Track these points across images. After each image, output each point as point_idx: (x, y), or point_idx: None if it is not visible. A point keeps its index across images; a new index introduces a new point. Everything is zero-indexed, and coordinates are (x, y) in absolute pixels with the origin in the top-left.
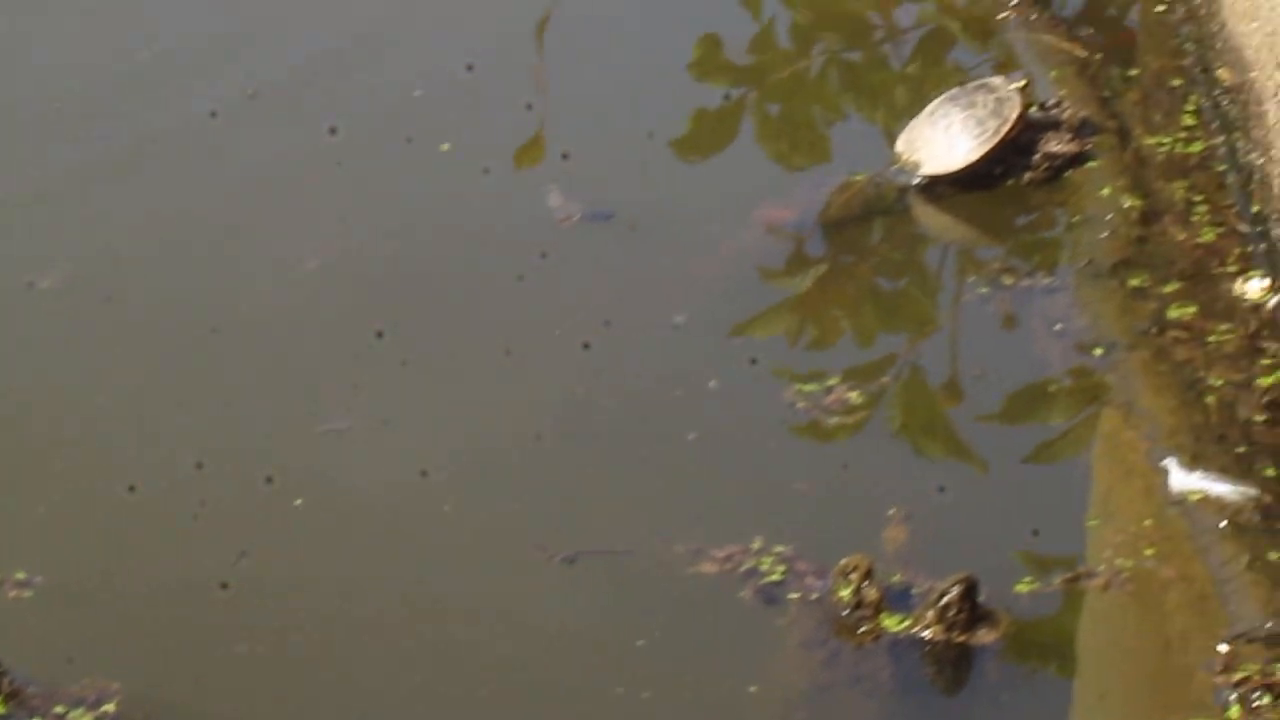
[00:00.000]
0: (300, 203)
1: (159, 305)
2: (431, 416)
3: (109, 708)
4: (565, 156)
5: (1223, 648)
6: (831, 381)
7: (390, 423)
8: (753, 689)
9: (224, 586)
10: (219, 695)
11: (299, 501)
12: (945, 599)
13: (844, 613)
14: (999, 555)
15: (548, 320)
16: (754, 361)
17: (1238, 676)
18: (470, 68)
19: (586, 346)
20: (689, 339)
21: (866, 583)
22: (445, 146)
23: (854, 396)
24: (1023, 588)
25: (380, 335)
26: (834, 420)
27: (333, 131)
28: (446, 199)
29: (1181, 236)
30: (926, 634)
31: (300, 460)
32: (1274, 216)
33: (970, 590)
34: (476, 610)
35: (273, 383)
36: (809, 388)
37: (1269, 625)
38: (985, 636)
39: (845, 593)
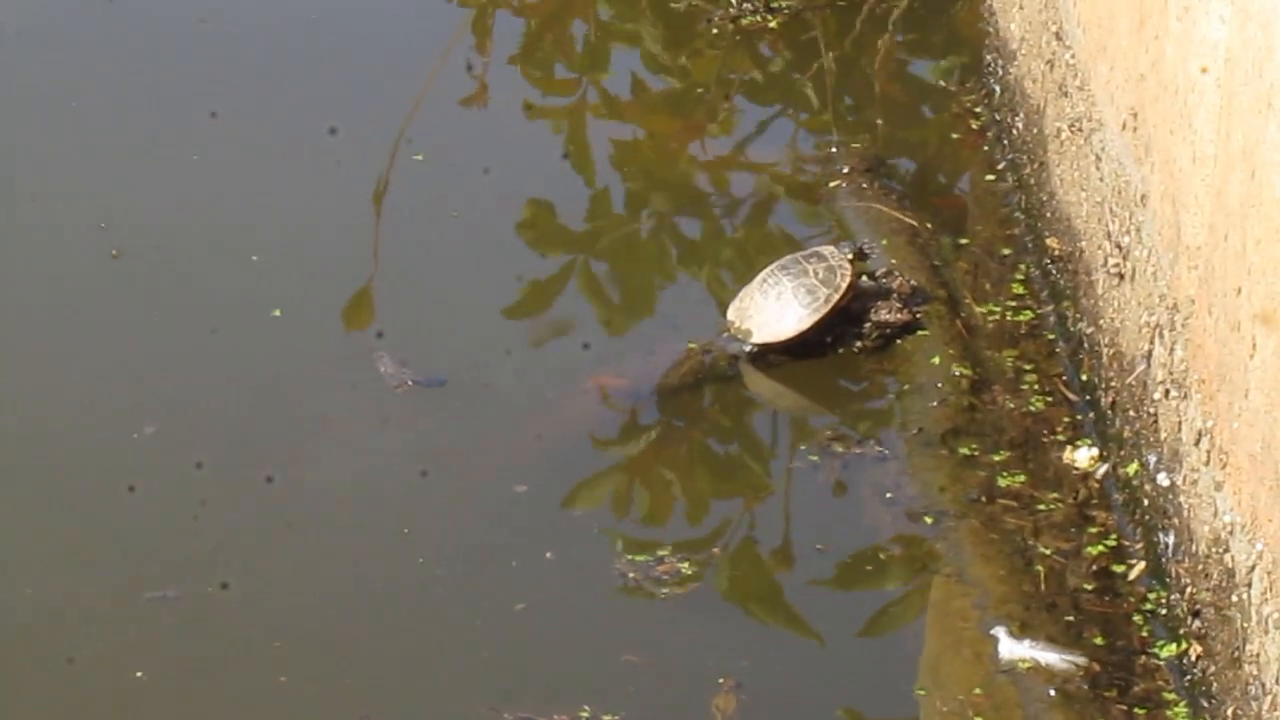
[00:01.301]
0: (126, 367)
1: None
2: (265, 579)
3: None
4: (380, 335)
5: None
6: (662, 551)
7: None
8: None
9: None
10: None
11: None
12: None
13: None
14: None
15: (384, 486)
16: (593, 532)
17: None
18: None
19: (424, 514)
20: (528, 508)
21: None
22: (277, 312)
23: (685, 566)
24: None
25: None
26: (664, 590)
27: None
28: (280, 364)
29: (1011, 405)
30: None
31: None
32: (1102, 386)
33: None
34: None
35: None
36: (640, 558)
37: None
38: None
39: None
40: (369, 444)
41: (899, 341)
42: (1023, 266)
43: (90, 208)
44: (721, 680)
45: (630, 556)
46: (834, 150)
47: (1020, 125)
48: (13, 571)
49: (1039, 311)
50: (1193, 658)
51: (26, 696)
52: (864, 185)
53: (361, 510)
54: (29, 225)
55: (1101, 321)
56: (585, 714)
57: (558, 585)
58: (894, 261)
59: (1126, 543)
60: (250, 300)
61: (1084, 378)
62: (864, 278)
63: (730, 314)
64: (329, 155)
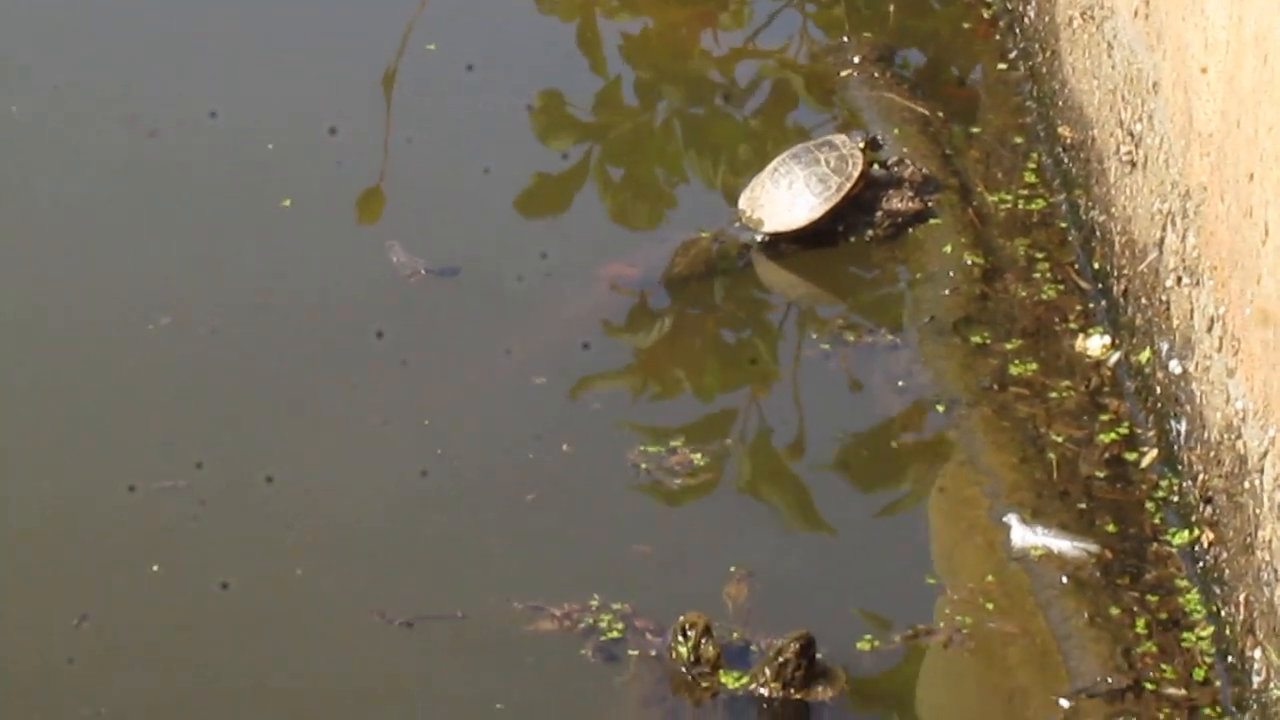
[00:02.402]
0: (148, 254)
1: None
2: (273, 486)
3: None
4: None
5: (1064, 703)
6: (675, 442)
7: (235, 486)
8: None
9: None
10: None
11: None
12: (782, 656)
13: (682, 670)
14: (840, 613)
15: (403, 379)
16: (600, 423)
17: None
18: (333, 130)
19: (442, 408)
20: (544, 399)
21: (705, 640)
22: (287, 202)
23: (697, 458)
24: (864, 645)
25: (219, 392)
26: (677, 481)
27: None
28: (290, 255)
29: (1023, 294)
30: (764, 691)
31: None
32: (1115, 274)
33: (807, 648)
34: (316, 677)
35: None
36: (652, 449)
37: (1109, 680)
38: (823, 694)
39: (683, 650)
40: (384, 334)
41: (910, 230)
42: (1035, 155)
43: (113, 96)
44: (733, 569)
45: (643, 447)
46: (845, 40)
47: (1032, 14)
48: (27, 461)
49: (1051, 200)
50: (1205, 544)
51: (39, 589)
52: (875, 75)
53: (378, 401)
54: (53, 115)
55: (1114, 209)
56: (595, 603)
57: (570, 476)
58: (906, 150)
59: (1139, 430)
60: (262, 190)
61: (1096, 265)
62: (876, 166)
63: (741, 203)
64: (344, 48)
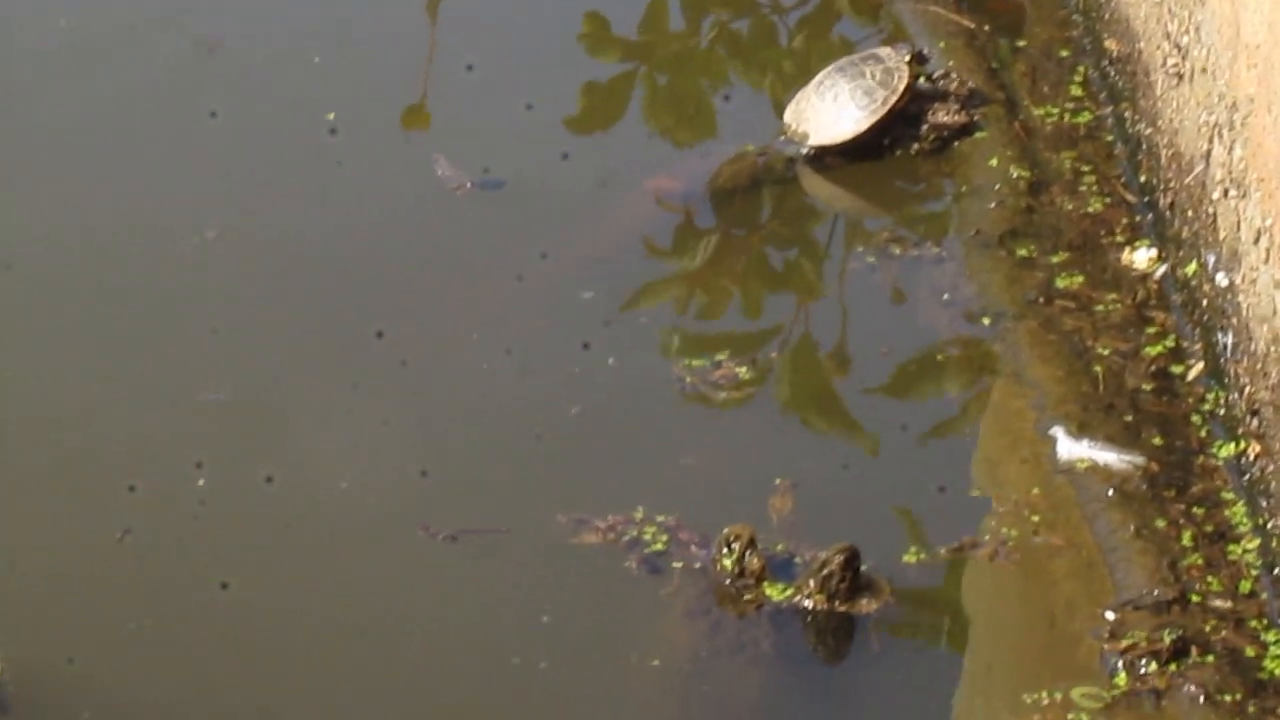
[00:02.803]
0: (190, 171)
1: None
2: (322, 389)
3: None
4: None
5: (1110, 615)
6: (720, 355)
7: (269, 387)
8: (636, 658)
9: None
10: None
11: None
12: (827, 568)
13: (726, 582)
14: (885, 526)
15: (450, 291)
16: (646, 337)
17: (1125, 644)
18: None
19: (489, 322)
20: (590, 312)
21: (749, 552)
22: (331, 115)
23: (742, 371)
24: (909, 558)
25: (272, 305)
26: (721, 394)
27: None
28: (335, 169)
29: (1069, 207)
30: (808, 603)
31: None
32: (1161, 187)
33: (851, 560)
34: (360, 593)
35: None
36: (697, 362)
37: (1155, 593)
38: (867, 606)
39: (728, 562)
40: (429, 248)
41: (956, 144)
42: (1081, 68)
43: (165, 11)
44: (778, 481)
45: (688, 361)
46: None
47: None
48: (76, 371)
49: (1097, 113)
50: (1251, 457)
51: (93, 494)
52: None
53: (424, 314)
54: (102, 29)
55: (1160, 122)
56: (639, 515)
57: (615, 390)
58: (951, 64)
59: (1185, 343)
60: (308, 103)
61: (1142, 179)
62: (921, 80)
63: (787, 117)
64: None
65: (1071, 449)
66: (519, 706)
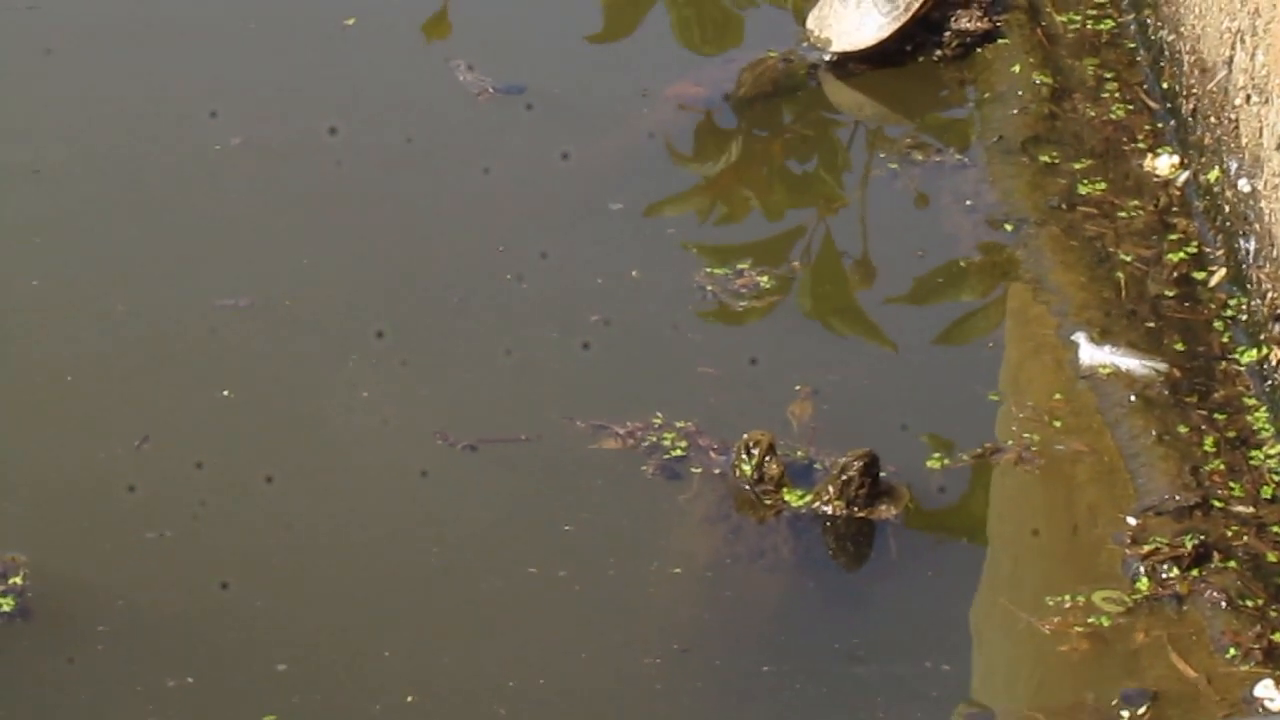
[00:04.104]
0: (214, 77)
1: None
2: (343, 297)
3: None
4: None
5: (1132, 521)
6: (742, 264)
7: (288, 294)
8: (655, 565)
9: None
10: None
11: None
12: (846, 474)
13: (746, 487)
14: (908, 432)
15: (474, 196)
16: (668, 245)
17: (1146, 549)
18: None
19: (506, 223)
20: (612, 219)
21: (769, 458)
22: (350, 20)
23: (764, 279)
24: (932, 464)
25: (299, 204)
26: (742, 303)
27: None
28: (356, 75)
29: (1092, 113)
30: (827, 509)
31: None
32: (1183, 93)
33: (871, 465)
34: (379, 503)
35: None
36: (719, 271)
37: (1177, 498)
38: (886, 512)
39: (747, 468)
40: (452, 155)
41: (979, 50)
42: None
43: None
44: (798, 388)
45: (709, 269)
46: None
47: None
48: (102, 276)
49: (1120, 20)
50: (1273, 362)
51: (116, 399)
52: None
53: (453, 219)
54: None
55: (1183, 29)
56: (658, 421)
57: (636, 298)
58: None
59: (1207, 249)
60: (329, 7)
61: (1165, 85)
62: None
63: (809, 23)
64: None
65: (1094, 355)
66: (537, 614)
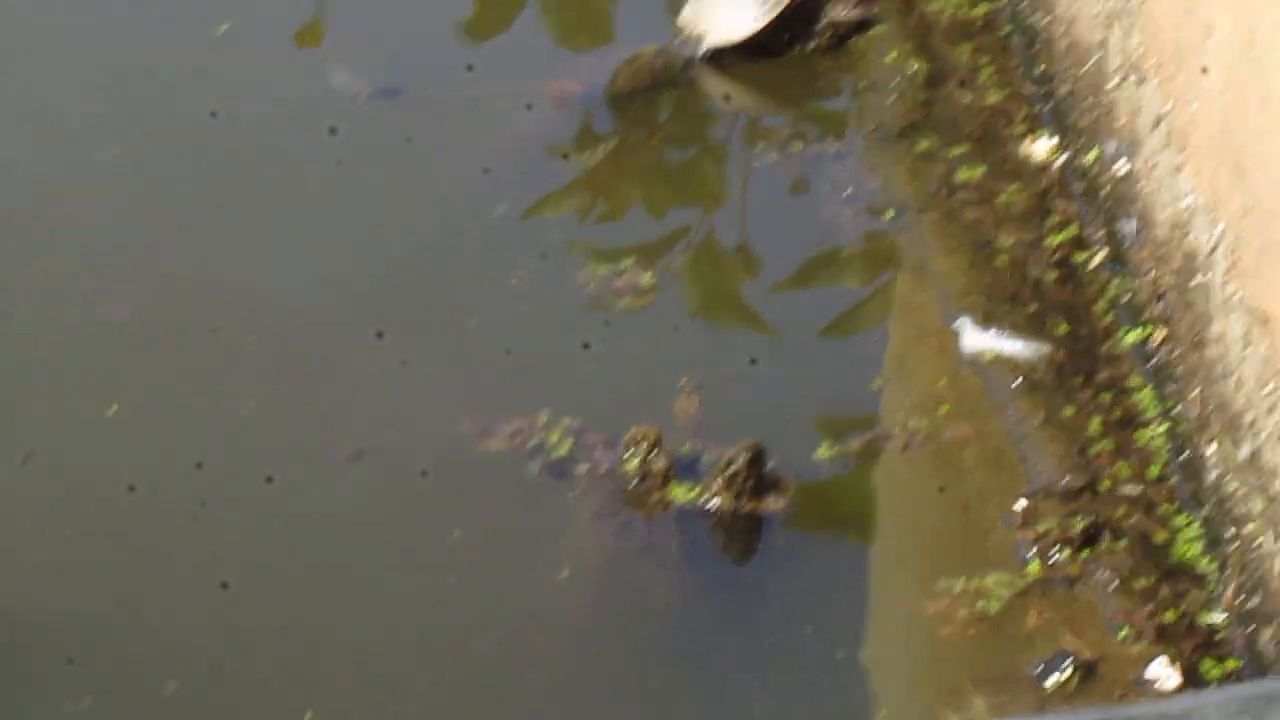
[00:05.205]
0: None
1: None
2: (204, 309)
3: None
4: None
5: (1021, 503)
6: (624, 262)
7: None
8: (543, 566)
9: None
10: None
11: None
12: (732, 467)
13: (633, 484)
14: (793, 423)
15: (352, 202)
16: (548, 244)
17: (1037, 532)
18: None
19: (387, 222)
20: (489, 221)
21: (655, 453)
22: (224, 26)
23: (646, 276)
24: (818, 454)
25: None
26: (625, 300)
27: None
28: (230, 78)
29: (968, 99)
30: (715, 503)
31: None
32: (1059, 76)
33: (757, 458)
34: (262, 514)
35: None
36: (601, 269)
37: (1066, 480)
38: (774, 504)
39: (634, 463)
40: (326, 158)
41: (854, 39)
42: None
43: None
44: (683, 382)
45: (591, 268)
46: None
47: None
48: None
49: (994, 4)
50: (1156, 342)
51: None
52: None
53: (327, 219)
54: None
55: (1056, 10)
56: (544, 419)
57: (518, 299)
58: None
59: (1087, 231)
60: (199, 11)
61: (1040, 68)
62: None
63: (684, 16)
64: None
65: (978, 339)
66: (426, 623)
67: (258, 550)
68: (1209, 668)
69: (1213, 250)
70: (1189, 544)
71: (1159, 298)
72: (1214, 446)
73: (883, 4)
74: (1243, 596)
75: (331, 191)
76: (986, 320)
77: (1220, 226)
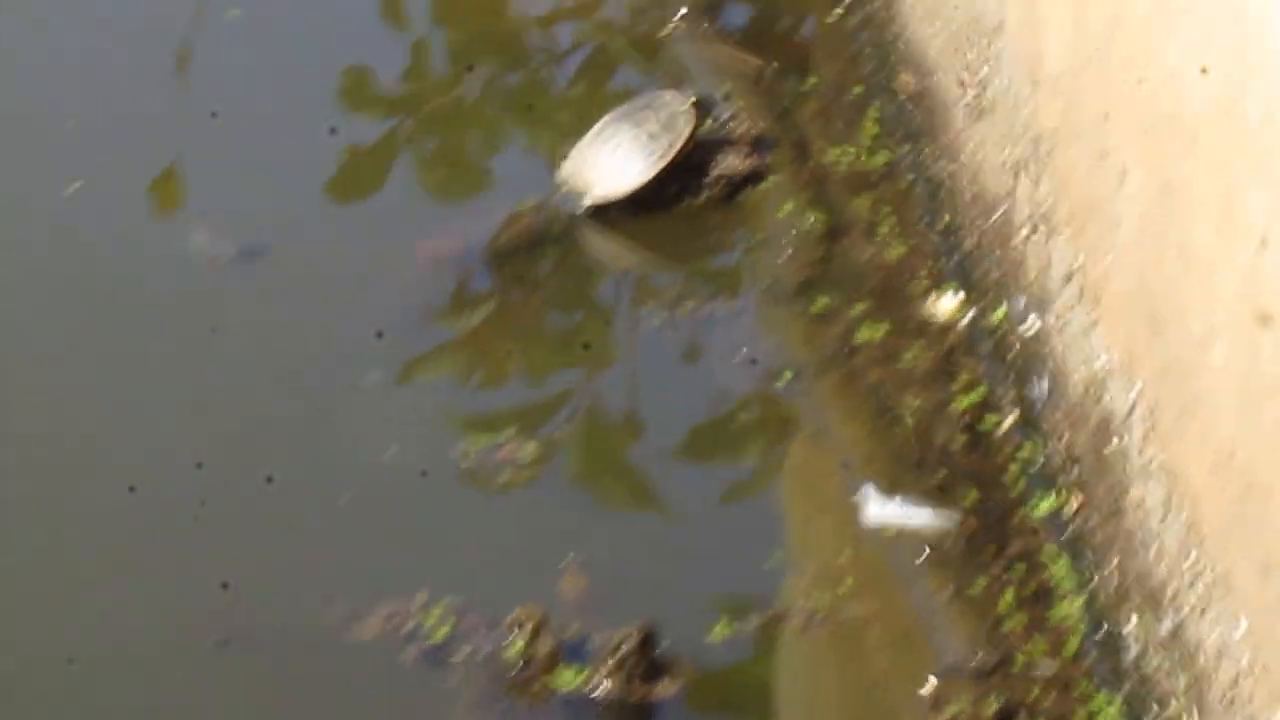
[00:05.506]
0: None
1: None
2: (87, 481)
3: None
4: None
5: (929, 685)
6: (505, 432)
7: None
8: None
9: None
10: None
11: None
12: (622, 649)
13: (516, 670)
14: (687, 601)
15: (217, 369)
16: (426, 413)
17: (947, 715)
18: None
19: (252, 397)
20: (362, 388)
21: (539, 636)
22: (74, 186)
23: (529, 447)
24: (714, 635)
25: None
26: (507, 473)
27: None
28: (84, 242)
29: (868, 253)
30: (604, 688)
31: None
32: (965, 228)
33: (649, 639)
34: (120, 706)
35: None
36: (482, 440)
37: (977, 659)
38: (667, 688)
39: (517, 647)
40: (187, 329)
41: (746, 191)
42: (875, 106)
43: None
44: (570, 558)
45: (471, 438)
46: None
47: None
48: None
49: (895, 153)
50: (1072, 510)
51: None
52: (704, 27)
53: (189, 391)
54: None
55: (961, 159)
56: (421, 600)
57: (394, 472)
58: (738, 106)
59: (997, 393)
60: (53, 172)
61: (945, 220)
62: (706, 125)
63: (565, 170)
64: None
65: (882, 510)
66: None
67: None
68: None
69: (1129, 412)
70: None
71: (1073, 463)
72: (1134, 621)
73: (776, 154)
74: None
75: (190, 359)
76: (891, 489)
77: (1137, 387)
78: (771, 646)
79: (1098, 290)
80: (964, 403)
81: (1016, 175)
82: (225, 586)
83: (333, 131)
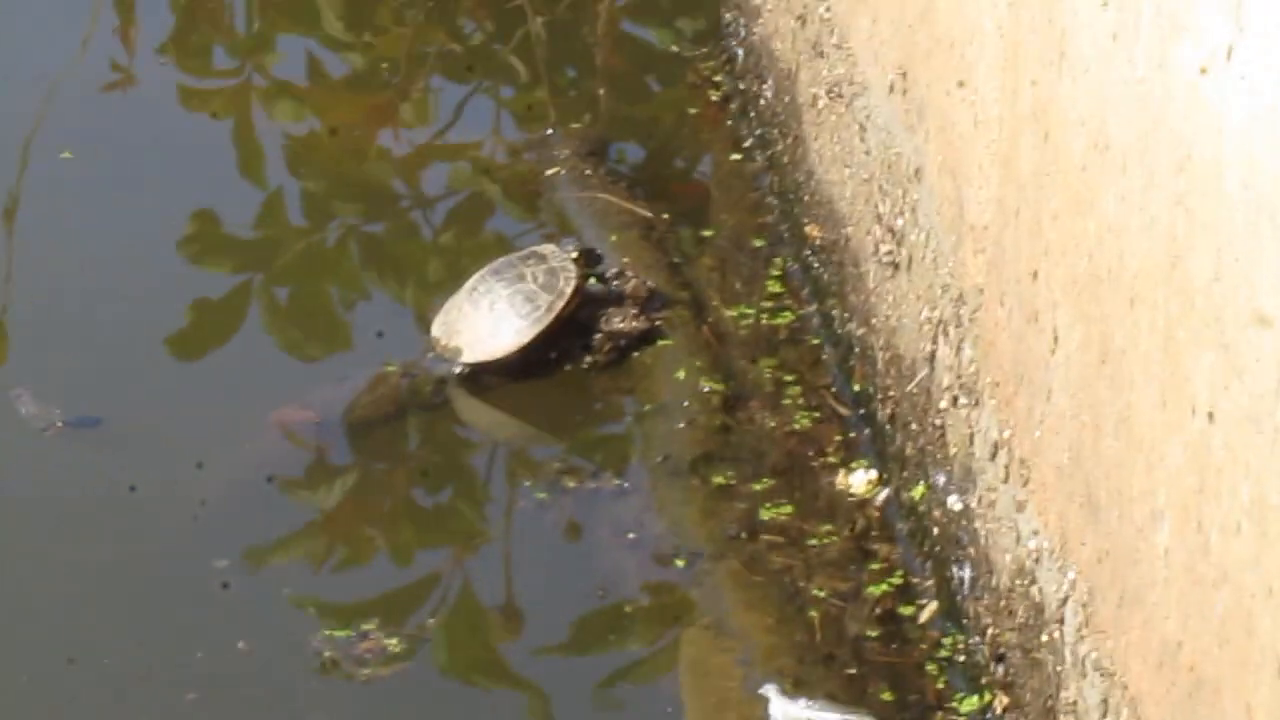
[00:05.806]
0: None
1: None
2: None
3: None
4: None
5: None
6: (367, 623)
7: None
8: None
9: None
10: None
11: None
12: None
13: None
14: None
15: (53, 564)
16: (278, 601)
17: None
18: None
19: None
20: (209, 577)
21: None
22: None
23: (392, 641)
24: None
25: None
26: (366, 670)
27: None
28: None
29: (772, 424)
30: None
31: None
32: (879, 396)
33: None
34: None
35: None
36: (340, 633)
37: None
38: None
39: None
40: (14, 502)
41: (636, 354)
42: (779, 260)
43: None
44: None
45: (328, 631)
46: (550, 133)
47: (769, 94)
48: None
49: (800, 312)
50: (998, 710)
51: None
52: (587, 172)
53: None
54: None
55: (875, 320)
56: None
57: (244, 670)
58: (626, 260)
59: (915, 579)
60: None
61: (856, 387)
62: (592, 280)
63: (435, 330)
64: None
65: (787, 710)
66: None
67: None
68: None
69: (1063, 603)
70: None
71: (999, 658)
72: None
73: (669, 313)
74: None
75: (10, 543)
76: (797, 687)
77: (1071, 574)
78: None
79: (1027, 467)
80: (878, 590)
81: (936, 338)
82: None
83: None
